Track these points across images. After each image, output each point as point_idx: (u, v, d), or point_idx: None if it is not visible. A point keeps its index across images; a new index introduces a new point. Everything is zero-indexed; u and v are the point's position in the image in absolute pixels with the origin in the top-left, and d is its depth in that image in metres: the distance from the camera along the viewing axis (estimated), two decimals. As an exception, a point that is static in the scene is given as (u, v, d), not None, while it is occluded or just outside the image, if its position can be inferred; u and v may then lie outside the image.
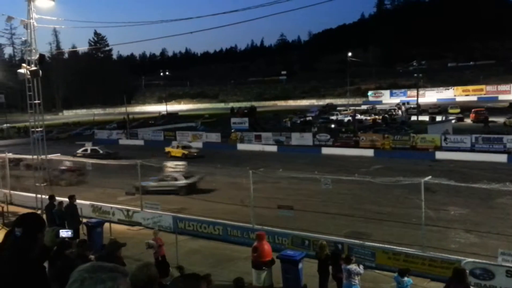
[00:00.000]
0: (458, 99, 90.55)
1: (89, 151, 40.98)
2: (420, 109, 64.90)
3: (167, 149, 44.30)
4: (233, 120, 69.99)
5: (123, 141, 57.30)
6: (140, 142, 55.29)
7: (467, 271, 11.43)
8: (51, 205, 18.01)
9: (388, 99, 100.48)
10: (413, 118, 62.95)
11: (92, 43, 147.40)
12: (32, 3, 21.27)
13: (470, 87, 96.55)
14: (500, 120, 55.64)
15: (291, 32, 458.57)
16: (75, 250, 7.90)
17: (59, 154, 29.07)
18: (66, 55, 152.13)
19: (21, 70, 21.28)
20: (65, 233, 4.56)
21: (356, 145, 42.93)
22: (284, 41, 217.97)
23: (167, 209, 21.75)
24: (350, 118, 65.70)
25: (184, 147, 43.75)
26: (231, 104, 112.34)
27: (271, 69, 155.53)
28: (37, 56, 21.76)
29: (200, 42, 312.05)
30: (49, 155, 24.80)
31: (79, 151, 41.20)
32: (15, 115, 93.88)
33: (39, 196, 22.42)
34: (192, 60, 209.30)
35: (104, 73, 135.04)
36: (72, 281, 2.20)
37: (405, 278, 11.53)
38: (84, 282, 2.18)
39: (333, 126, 58.95)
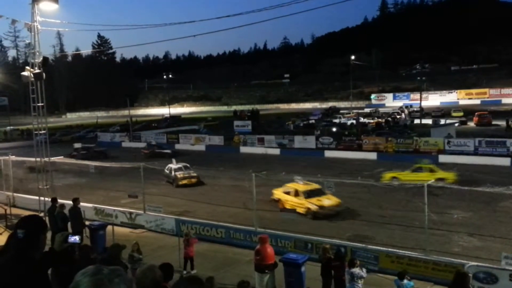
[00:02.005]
0: (461, 102, 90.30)
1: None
2: (423, 113, 64.80)
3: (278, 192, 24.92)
4: (236, 123, 69.98)
5: (126, 144, 57.33)
6: (142, 145, 55.23)
7: (470, 275, 11.39)
8: (53, 207, 17.99)
9: (391, 102, 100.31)
10: (416, 121, 62.88)
11: (96, 46, 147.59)
12: (36, 6, 21.32)
13: (473, 91, 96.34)
14: (504, 123, 55.61)
15: (294, 35, 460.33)
16: (78, 254, 7.91)
17: (62, 157, 29.11)
18: (69, 58, 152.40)
19: (25, 73, 21.31)
20: (73, 238, 4.55)
21: (359, 148, 42.86)
22: (287, 44, 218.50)
23: (169, 212, 21.77)
24: (353, 121, 65.64)
25: (310, 194, 22.67)
26: (234, 107, 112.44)
27: (274, 72, 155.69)
28: (41, 59, 21.77)
29: (203, 45, 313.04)
30: (52, 158, 24.83)
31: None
32: (18, 117, 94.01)
33: (42, 198, 22.44)
34: (195, 63, 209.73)
35: (107, 76, 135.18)
36: (86, 286, 2.19)
37: (405, 281, 11.50)
38: (100, 285, 2.17)
39: (335, 129, 58.77)
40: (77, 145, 47.96)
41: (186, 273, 14.60)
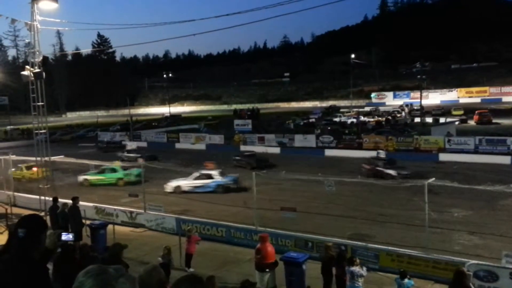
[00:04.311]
0: (462, 100, 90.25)
1: None
2: (424, 111, 64.77)
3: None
4: (236, 122, 69.96)
5: (126, 143, 57.29)
6: (143, 144, 55.30)
7: (471, 273, 11.41)
8: (55, 206, 18.08)
9: (391, 101, 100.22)
10: (417, 119, 62.84)
11: (96, 45, 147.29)
12: (35, 5, 21.32)
13: (474, 89, 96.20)
14: (505, 121, 55.78)
15: (294, 34, 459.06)
16: (78, 253, 7.93)
17: (62, 156, 29.11)
18: (69, 57, 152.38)
19: (25, 72, 21.34)
20: (66, 236, 4.53)
21: (360, 147, 42.85)
22: (287, 43, 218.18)
23: (170, 211, 21.79)
24: (353, 120, 65.59)
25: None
26: (234, 106, 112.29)
27: (274, 71, 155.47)
28: (41, 58, 21.79)
29: (203, 44, 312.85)
30: (52, 157, 24.84)
31: None
32: (19, 117, 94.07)
33: (42, 198, 22.47)
34: (195, 62, 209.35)
35: (107, 75, 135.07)
36: (91, 286, 2.18)
37: (406, 280, 11.54)
38: (107, 285, 2.16)
39: (329, 127, 58.36)
40: (244, 150, 42.95)
41: (188, 271, 14.69)
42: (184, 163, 35.46)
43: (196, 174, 29.08)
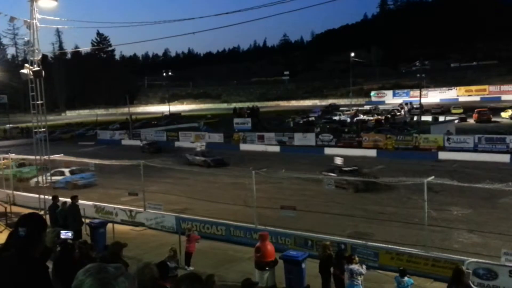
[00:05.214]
0: (461, 99, 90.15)
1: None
2: (423, 109, 64.73)
3: None
4: (236, 120, 69.94)
5: (126, 142, 57.31)
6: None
7: (470, 271, 11.42)
8: (55, 205, 18.09)
9: (391, 99, 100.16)
10: (416, 118, 62.81)
11: (95, 44, 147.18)
12: (35, 3, 21.30)
13: (473, 87, 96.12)
14: (504, 120, 55.80)
15: (294, 32, 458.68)
16: (78, 251, 7.92)
17: (61, 155, 29.14)
18: (69, 56, 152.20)
19: (24, 71, 21.32)
20: (65, 234, 4.55)
21: (359, 145, 42.85)
22: (287, 41, 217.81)
23: (170, 210, 21.79)
24: (350, 118, 65.56)
25: None
26: (233, 105, 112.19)
27: (274, 70, 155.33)
28: (40, 56, 21.78)
29: (203, 43, 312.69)
30: (51, 156, 24.85)
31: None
32: (18, 115, 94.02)
33: (41, 196, 22.47)
34: (195, 61, 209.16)
35: (106, 73, 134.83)
36: (90, 285, 2.17)
37: (405, 278, 11.55)
38: (106, 284, 2.16)
39: (330, 126, 58.29)
40: (340, 163, 29.37)
41: (187, 269, 14.71)
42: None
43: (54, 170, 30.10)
